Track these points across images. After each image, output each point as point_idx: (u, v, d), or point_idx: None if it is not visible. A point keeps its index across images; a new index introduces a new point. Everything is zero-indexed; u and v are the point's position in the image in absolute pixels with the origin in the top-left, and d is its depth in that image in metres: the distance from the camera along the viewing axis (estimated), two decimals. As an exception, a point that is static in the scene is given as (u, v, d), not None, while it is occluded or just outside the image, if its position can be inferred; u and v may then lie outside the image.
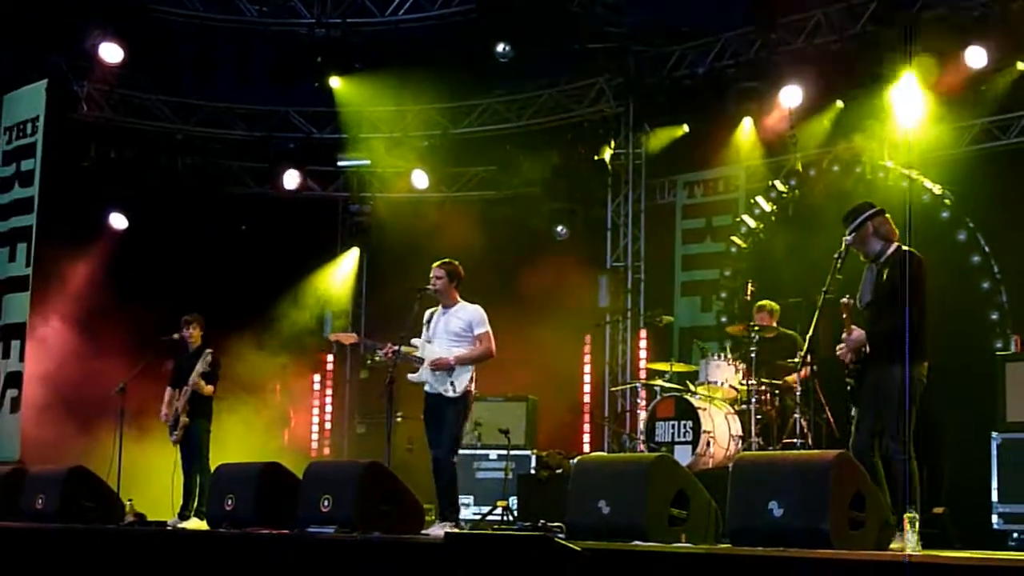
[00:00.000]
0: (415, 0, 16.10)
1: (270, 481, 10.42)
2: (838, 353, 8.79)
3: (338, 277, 18.39)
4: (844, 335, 8.74)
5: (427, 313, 10.55)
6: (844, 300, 8.76)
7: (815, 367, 11.51)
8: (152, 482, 12.99)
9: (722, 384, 12.75)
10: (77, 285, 15.73)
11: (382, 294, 16.51)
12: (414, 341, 10.42)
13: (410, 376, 10.39)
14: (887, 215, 8.83)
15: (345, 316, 18.18)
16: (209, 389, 12.32)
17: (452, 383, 10.17)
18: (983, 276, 13.36)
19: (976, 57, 13.18)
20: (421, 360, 10.31)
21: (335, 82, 16.43)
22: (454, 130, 17.53)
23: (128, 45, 15.44)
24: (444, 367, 10.20)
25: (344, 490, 9.56)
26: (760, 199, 15.56)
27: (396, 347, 10.26)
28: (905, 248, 8.66)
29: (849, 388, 8.64)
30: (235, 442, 14.25)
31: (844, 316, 8.76)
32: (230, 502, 10.47)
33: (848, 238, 8.77)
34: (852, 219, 8.82)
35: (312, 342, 17.55)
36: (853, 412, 8.76)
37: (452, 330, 10.32)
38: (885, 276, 8.63)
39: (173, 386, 12.54)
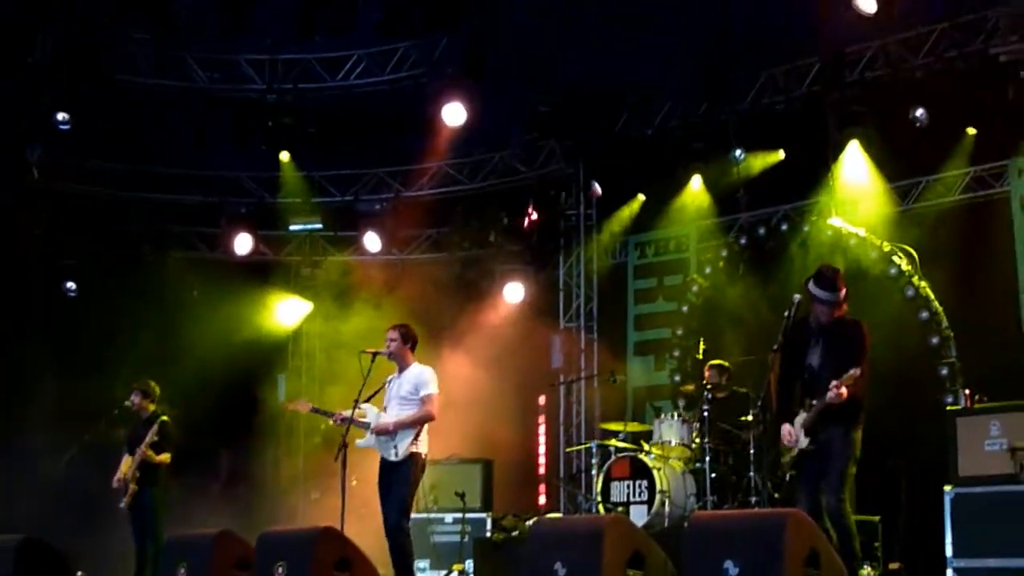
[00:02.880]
0: (366, 65, 16.18)
1: (224, 549, 10.33)
2: (786, 440, 8.88)
3: (290, 341, 18.33)
4: (772, 387, 8.89)
5: (386, 379, 10.53)
6: (775, 353, 8.87)
7: (768, 424, 11.56)
8: (105, 552, 12.84)
9: (676, 443, 12.79)
10: (29, 352, 15.59)
11: (334, 358, 16.47)
12: (364, 406, 10.39)
13: (358, 442, 10.39)
14: None
15: (298, 379, 18.12)
16: (164, 457, 12.22)
17: (395, 447, 10.16)
18: (932, 331, 13.49)
19: (920, 116, 13.38)
20: (366, 425, 10.30)
21: (284, 155, 16.52)
22: (406, 193, 17.59)
23: (79, 111, 15.40)
24: (384, 432, 10.19)
25: (299, 557, 9.48)
26: (710, 258, 15.67)
27: (344, 415, 10.24)
28: (851, 318, 8.88)
29: (792, 457, 8.74)
30: (187, 509, 14.13)
31: (771, 370, 8.88)
32: (183, 571, 10.36)
33: (823, 296, 8.83)
34: (832, 284, 8.89)
35: (265, 406, 17.47)
36: (788, 477, 8.86)
37: (401, 394, 10.32)
38: (833, 344, 8.77)
39: (128, 453, 12.44)
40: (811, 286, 8.92)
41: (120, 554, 12.38)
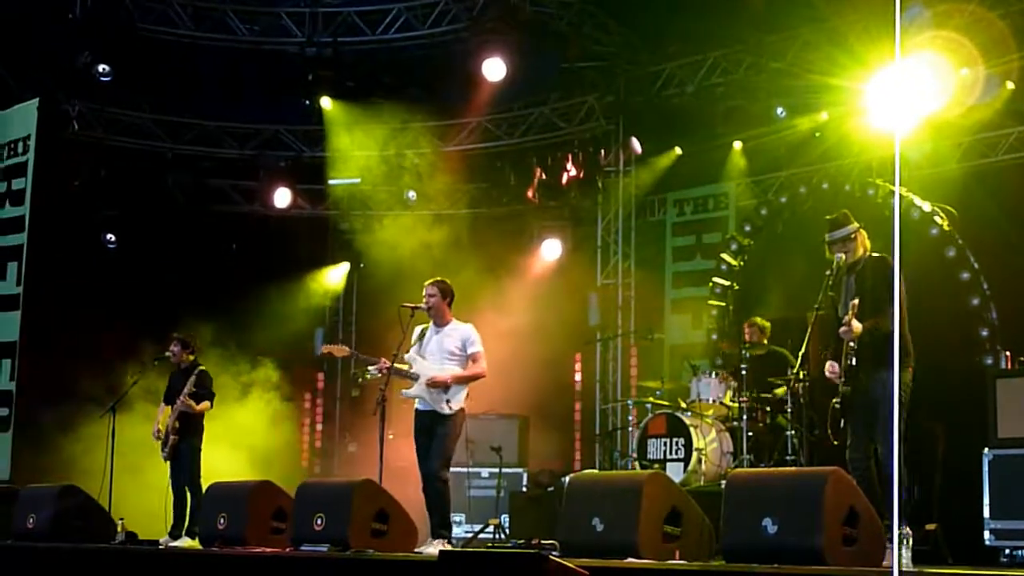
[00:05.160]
0: (405, 19, 16.12)
1: (263, 500, 10.43)
2: (828, 372, 8.82)
3: (329, 295, 18.39)
4: (812, 347, 8.87)
5: (417, 329, 10.55)
6: (816, 312, 8.84)
7: (807, 383, 11.54)
8: (144, 500, 12.96)
9: (713, 401, 12.78)
10: (68, 304, 15.70)
11: (373, 312, 16.53)
12: (408, 356, 10.40)
13: (404, 392, 10.38)
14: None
15: (336, 334, 18.18)
16: (204, 406, 12.29)
17: (448, 401, 10.17)
18: (973, 292, 13.38)
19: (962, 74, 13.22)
20: (415, 376, 10.30)
21: (326, 102, 16.46)
22: (444, 148, 17.55)
23: (118, 65, 15.42)
24: (440, 385, 10.20)
25: (337, 508, 9.56)
26: (750, 216, 15.60)
27: (390, 363, 10.25)
28: (876, 254, 8.79)
29: (838, 401, 8.64)
30: (227, 460, 14.24)
31: (811, 329, 8.84)
32: (223, 520, 10.46)
33: (837, 247, 8.83)
34: (839, 223, 8.92)
35: (303, 360, 17.55)
36: (842, 424, 8.76)
37: (447, 348, 10.32)
38: (862, 283, 8.70)
39: (166, 403, 12.54)
40: (827, 236, 8.95)
41: (159, 503, 12.47)
